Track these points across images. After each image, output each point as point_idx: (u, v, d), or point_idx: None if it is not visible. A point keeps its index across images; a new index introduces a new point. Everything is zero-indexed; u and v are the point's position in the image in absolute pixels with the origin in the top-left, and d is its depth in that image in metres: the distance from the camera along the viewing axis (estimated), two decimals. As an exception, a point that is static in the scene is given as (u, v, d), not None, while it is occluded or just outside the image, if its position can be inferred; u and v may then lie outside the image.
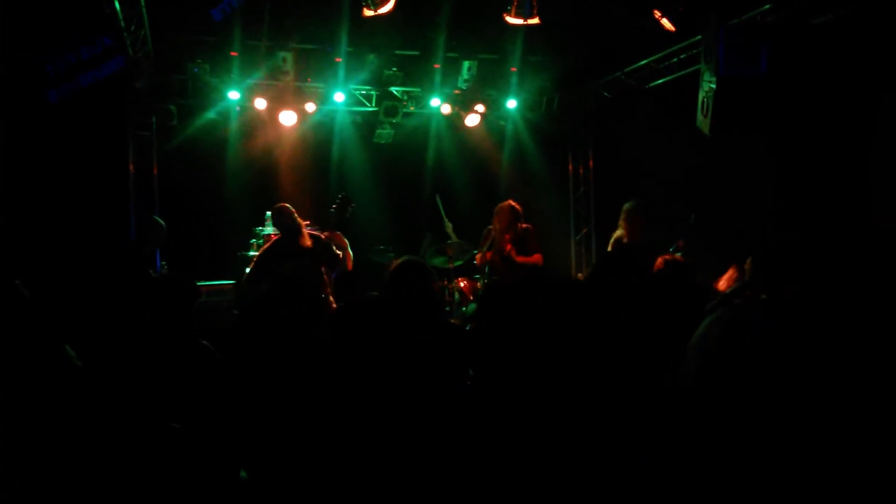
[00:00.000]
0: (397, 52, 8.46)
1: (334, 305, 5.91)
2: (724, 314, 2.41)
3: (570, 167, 10.29)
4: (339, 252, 5.96)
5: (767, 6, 6.05)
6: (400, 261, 3.90)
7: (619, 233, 6.72)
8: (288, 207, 6.02)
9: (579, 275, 6.20)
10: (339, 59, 8.30)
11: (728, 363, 2.29)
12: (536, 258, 6.66)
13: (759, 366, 2.22)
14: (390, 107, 8.76)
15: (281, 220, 6.02)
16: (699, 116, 6.03)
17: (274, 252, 6.01)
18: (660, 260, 5.08)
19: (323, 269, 5.84)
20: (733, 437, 2.23)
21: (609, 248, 6.73)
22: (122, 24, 6.12)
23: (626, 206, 6.57)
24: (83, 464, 2.90)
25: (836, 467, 2.09)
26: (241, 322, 4.43)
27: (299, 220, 6.00)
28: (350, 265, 6.20)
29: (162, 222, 6.21)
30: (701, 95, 6.00)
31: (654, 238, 6.46)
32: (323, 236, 5.93)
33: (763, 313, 2.37)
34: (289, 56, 8.02)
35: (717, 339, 2.39)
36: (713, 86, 5.75)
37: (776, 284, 2.44)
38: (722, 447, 2.22)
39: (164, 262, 7.53)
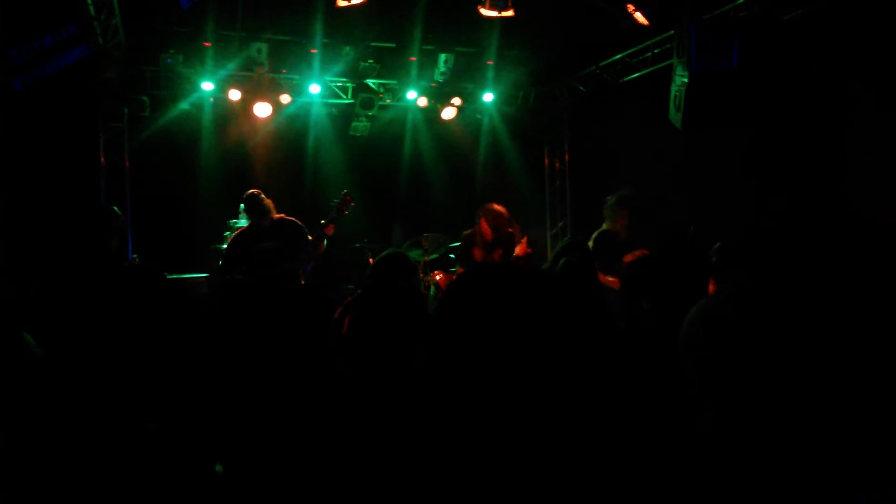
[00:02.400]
0: (373, 44, 8.43)
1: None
2: (702, 305, 2.41)
3: (546, 161, 10.32)
4: (310, 238, 5.97)
5: (740, 1, 6.11)
6: (383, 254, 3.87)
7: (604, 227, 6.66)
8: (256, 192, 6.04)
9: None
10: (314, 51, 8.25)
11: (708, 354, 2.29)
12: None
13: (736, 357, 2.22)
14: (366, 99, 8.73)
15: (249, 204, 6.03)
16: (672, 110, 6.08)
17: (243, 238, 6.01)
18: (628, 256, 5.10)
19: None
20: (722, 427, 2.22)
21: (591, 243, 6.69)
22: (93, 12, 6.03)
23: (611, 198, 6.40)
24: (51, 457, 2.87)
25: (825, 462, 2.10)
26: (215, 313, 4.39)
27: (268, 202, 5.99)
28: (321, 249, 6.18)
29: (118, 212, 6.15)
30: (673, 90, 6.05)
31: (639, 230, 6.38)
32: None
33: (734, 302, 2.38)
34: (263, 47, 7.95)
35: (697, 330, 2.39)
36: (685, 80, 5.80)
37: (738, 272, 2.45)
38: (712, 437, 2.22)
39: (135, 255, 7.45)
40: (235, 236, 6.20)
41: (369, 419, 2.85)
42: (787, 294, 2.25)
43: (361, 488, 2.73)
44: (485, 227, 6.32)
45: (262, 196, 6.00)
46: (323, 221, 6.00)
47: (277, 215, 6.01)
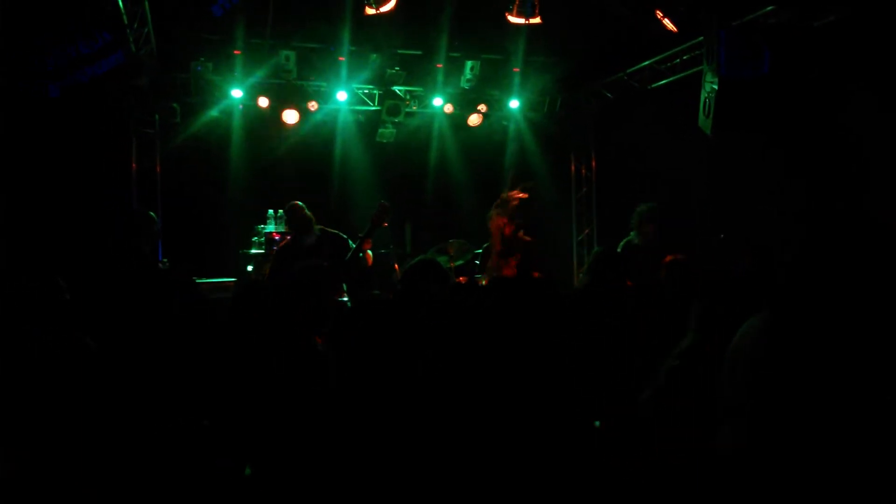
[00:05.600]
0: (400, 51, 8.47)
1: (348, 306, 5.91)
2: (770, 320, 2.35)
3: (573, 168, 10.29)
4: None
5: (770, 8, 6.05)
6: (415, 260, 3.87)
7: (630, 237, 6.64)
8: (299, 205, 5.97)
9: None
10: (342, 59, 8.32)
11: (779, 373, 2.23)
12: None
13: (811, 377, 2.16)
14: (393, 106, 8.77)
15: (293, 218, 5.98)
16: (701, 117, 6.03)
17: (287, 254, 5.97)
18: (667, 258, 5.07)
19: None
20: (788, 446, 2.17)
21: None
22: (125, 20, 6.14)
23: (640, 208, 6.37)
24: (96, 454, 2.92)
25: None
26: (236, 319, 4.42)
27: (309, 215, 5.94)
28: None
29: (154, 216, 6.22)
30: (703, 96, 6.00)
31: (664, 241, 6.34)
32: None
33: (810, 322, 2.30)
34: (292, 55, 8.04)
35: (765, 347, 2.33)
36: (715, 86, 5.75)
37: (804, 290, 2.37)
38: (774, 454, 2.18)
39: (165, 259, 7.56)
40: (280, 250, 6.14)
41: (397, 422, 2.86)
42: (822, 317, 2.20)
43: (382, 486, 2.75)
44: (499, 223, 6.27)
45: (303, 208, 5.92)
46: (361, 235, 5.75)
47: (318, 227, 5.93)
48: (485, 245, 6.64)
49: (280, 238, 7.73)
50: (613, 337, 3.94)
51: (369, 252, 5.88)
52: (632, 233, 6.54)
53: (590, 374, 3.23)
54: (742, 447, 2.22)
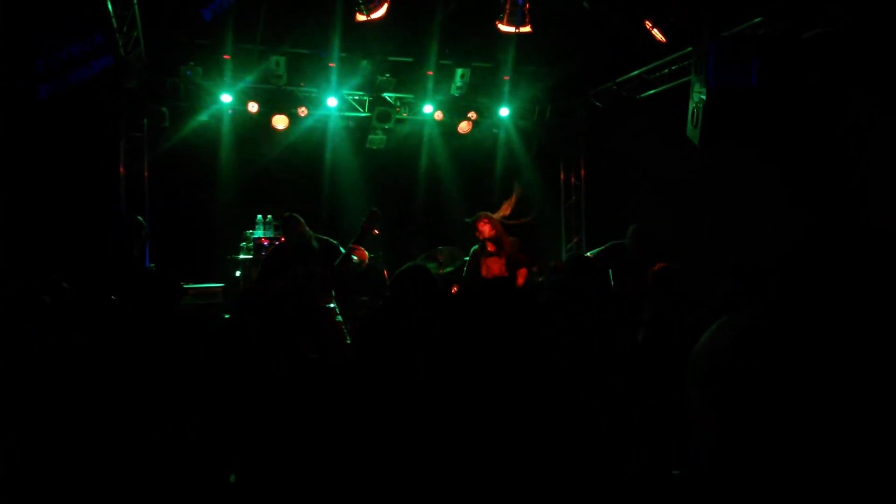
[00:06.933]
0: (390, 58, 8.48)
1: (336, 312, 5.90)
2: (732, 321, 2.35)
3: (562, 176, 10.32)
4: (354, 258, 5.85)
5: (758, 20, 6.10)
6: (403, 268, 3.87)
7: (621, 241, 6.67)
8: (294, 216, 5.95)
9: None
10: (332, 64, 8.31)
11: (738, 373, 2.23)
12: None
13: (772, 378, 2.16)
14: (383, 112, 8.77)
15: (286, 226, 5.96)
16: (689, 127, 6.07)
17: (279, 257, 5.95)
18: (656, 267, 5.10)
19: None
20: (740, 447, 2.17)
21: (604, 248, 6.71)
22: (115, 24, 6.11)
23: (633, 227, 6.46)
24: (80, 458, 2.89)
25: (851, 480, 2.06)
26: (231, 327, 4.41)
27: (304, 225, 5.94)
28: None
29: (143, 221, 6.18)
30: (691, 106, 6.04)
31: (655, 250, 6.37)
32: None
33: (773, 322, 2.31)
34: (282, 60, 8.02)
35: (727, 347, 2.33)
36: (703, 97, 5.79)
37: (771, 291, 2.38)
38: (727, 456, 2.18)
39: (152, 264, 7.51)
40: (271, 253, 6.12)
41: (384, 428, 2.85)
42: (800, 331, 2.20)
43: (370, 490, 2.73)
44: (483, 226, 6.36)
45: (300, 219, 5.92)
46: (351, 242, 5.81)
47: (310, 234, 5.93)
48: (473, 248, 6.63)
49: (269, 244, 7.70)
50: (580, 343, 3.93)
51: (365, 252, 5.89)
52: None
53: (562, 377, 3.22)
54: (726, 463, 2.21)
